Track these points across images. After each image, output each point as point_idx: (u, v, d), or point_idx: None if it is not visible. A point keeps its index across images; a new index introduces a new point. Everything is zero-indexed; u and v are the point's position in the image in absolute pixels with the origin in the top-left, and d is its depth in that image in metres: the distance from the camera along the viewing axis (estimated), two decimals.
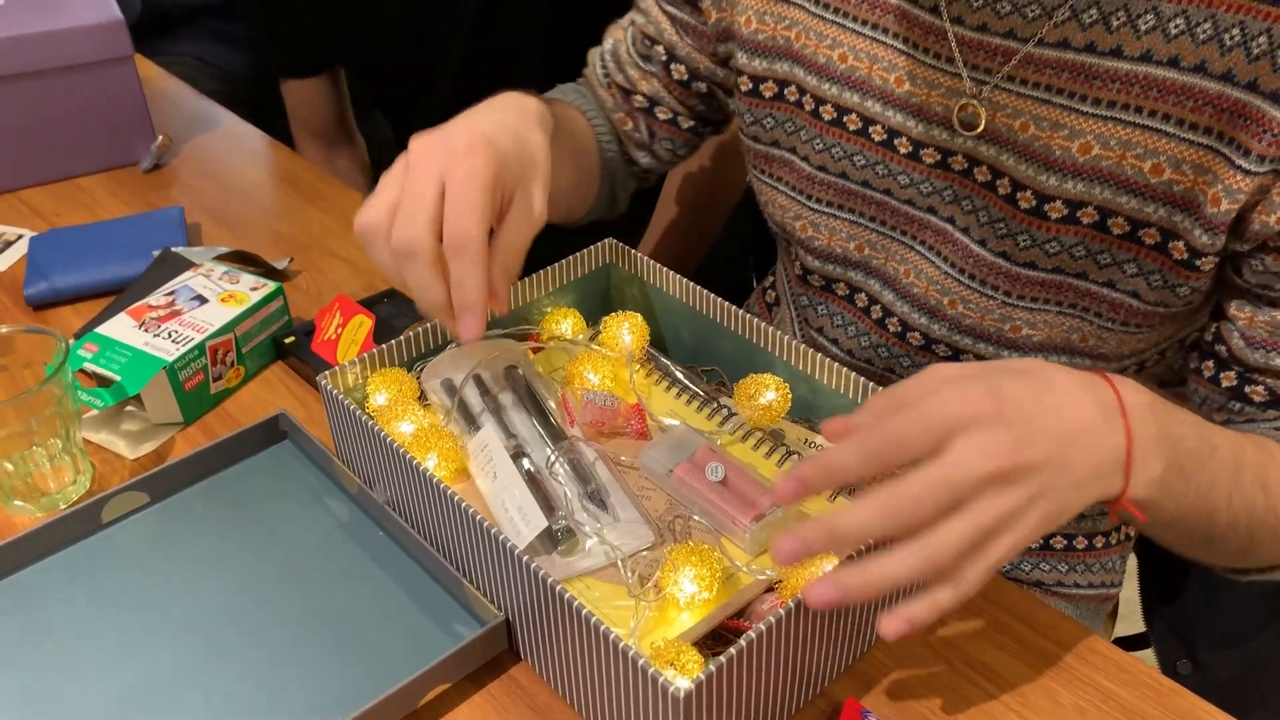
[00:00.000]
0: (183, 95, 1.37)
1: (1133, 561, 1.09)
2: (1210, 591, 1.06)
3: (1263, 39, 0.60)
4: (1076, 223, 0.69)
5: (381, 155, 1.77)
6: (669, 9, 0.86)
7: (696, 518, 0.65)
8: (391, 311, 0.91)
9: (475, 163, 0.62)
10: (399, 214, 0.62)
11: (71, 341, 0.79)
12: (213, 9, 1.76)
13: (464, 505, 0.59)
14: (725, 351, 0.76)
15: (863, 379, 0.67)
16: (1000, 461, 0.49)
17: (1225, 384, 0.71)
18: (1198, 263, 0.67)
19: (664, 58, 0.88)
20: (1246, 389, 0.70)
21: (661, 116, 0.91)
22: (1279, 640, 1.04)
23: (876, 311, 0.84)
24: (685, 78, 0.88)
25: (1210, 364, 0.72)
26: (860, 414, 0.53)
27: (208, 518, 0.73)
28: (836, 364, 0.68)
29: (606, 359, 0.73)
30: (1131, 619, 1.17)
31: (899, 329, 0.82)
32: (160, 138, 1.18)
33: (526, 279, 0.78)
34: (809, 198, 0.82)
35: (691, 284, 0.76)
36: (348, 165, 1.47)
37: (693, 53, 0.86)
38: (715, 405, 0.73)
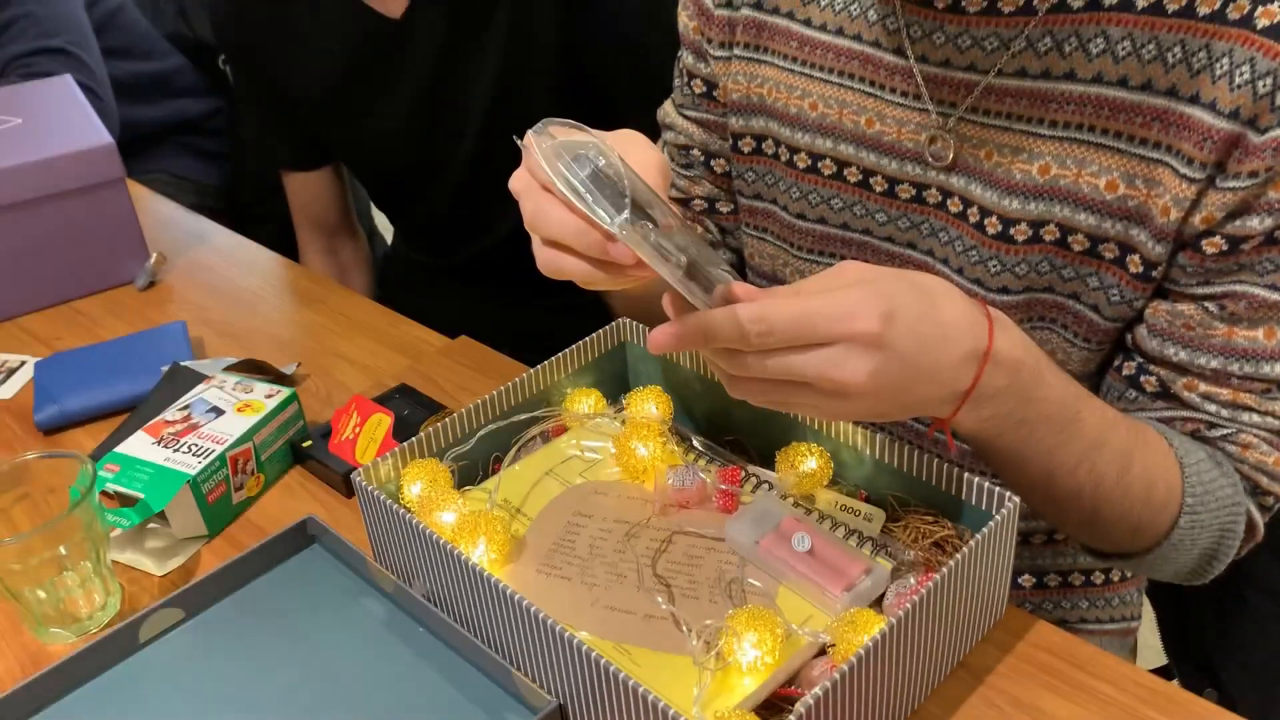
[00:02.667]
0: (170, 212, 1.39)
1: (1146, 601, 1.10)
2: (1225, 619, 1.07)
3: (1202, 54, 0.64)
4: (1040, 241, 0.72)
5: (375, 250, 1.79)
6: (690, 114, 0.91)
7: (751, 581, 0.65)
8: (404, 407, 0.91)
9: None
10: None
11: (92, 464, 0.79)
12: (184, 126, 1.80)
13: (510, 592, 0.60)
14: (742, 421, 0.78)
15: (887, 438, 0.69)
16: (851, 378, 0.55)
17: (1125, 372, 0.75)
18: (1153, 274, 0.70)
19: (702, 158, 0.91)
20: (1141, 378, 0.74)
21: (724, 210, 0.94)
22: None
23: None
24: (728, 169, 0.91)
25: (1116, 353, 0.76)
26: (766, 294, 0.57)
27: (245, 629, 0.72)
28: (859, 426, 0.70)
29: (651, 428, 0.74)
30: (1147, 653, 1.18)
31: None
32: (155, 255, 1.20)
33: (545, 364, 0.79)
34: (793, 245, 0.85)
35: None
36: (350, 257, 1.48)
37: (724, 145, 0.89)
38: (745, 473, 0.74)
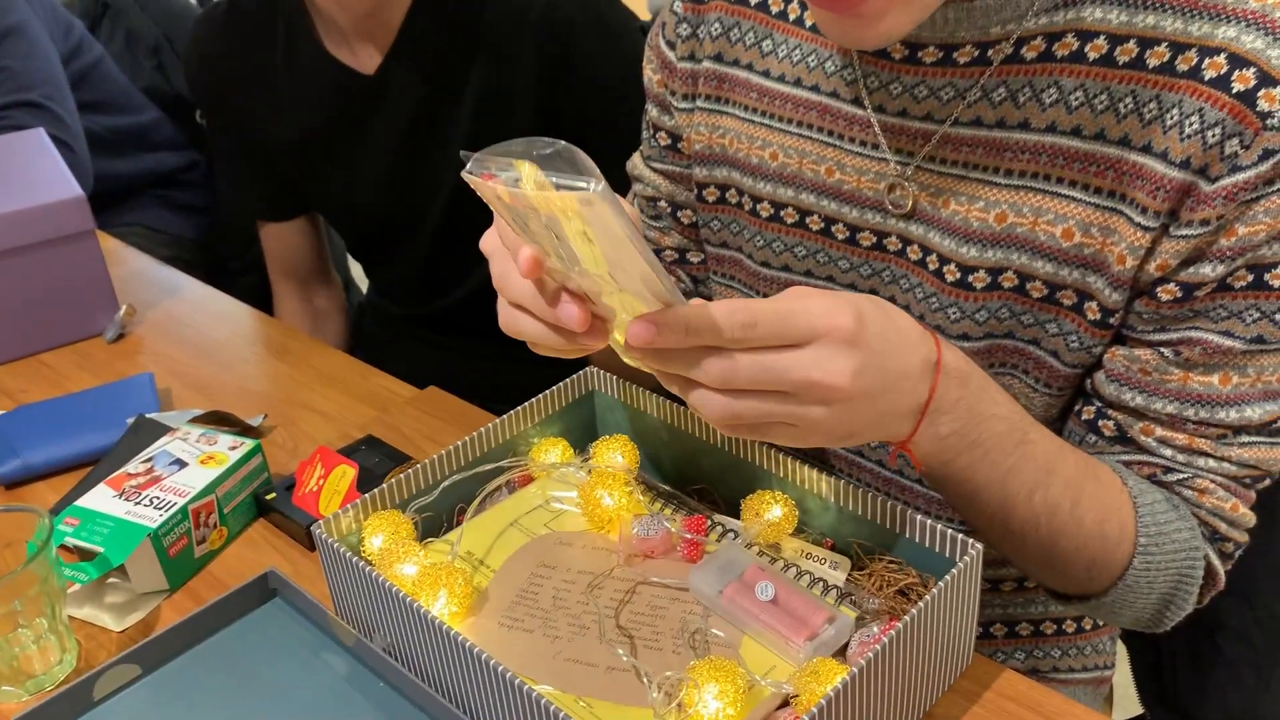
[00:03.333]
0: (141, 264, 1.38)
1: (1122, 650, 1.10)
2: (1202, 666, 1.07)
3: (1153, 105, 0.65)
4: (999, 288, 0.73)
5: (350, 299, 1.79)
6: (658, 166, 0.91)
7: (715, 630, 0.65)
8: (371, 459, 0.91)
9: None
10: None
11: (51, 517, 0.78)
12: (161, 179, 1.80)
13: (471, 646, 0.59)
14: (709, 470, 0.78)
15: (851, 485, 0.69)
16: (836, 380, 0.55)
17: (1084, 416, 0.76)
18: (1110, 321, 0.71)
19: (670, 209, 0.92)
20: (1099, 423, 0.75)
21: (694, 260, 0.94)
22: (1271, 704, 1.05)
23: None
24: (695, 219, 0.91)
25: (1077, 399, 0.76)
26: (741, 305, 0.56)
27: (203, 685, 0.71)
28: (823, 474, 0.70)
29: (617, 478, 0.74)
30: (1125, 702, 1.17)
31: None
32: (124, 307, 1.19)
33: (511, 413, 0.79)
34: (759, 293, 0.86)
35: (675, 405, 0.78)
36: (326, 304, 1.47)
37: (691, 196, 0.90)
38: (710, 522, 0.74)
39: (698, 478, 0.79)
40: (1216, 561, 0.74)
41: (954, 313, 0.74)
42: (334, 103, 1.21)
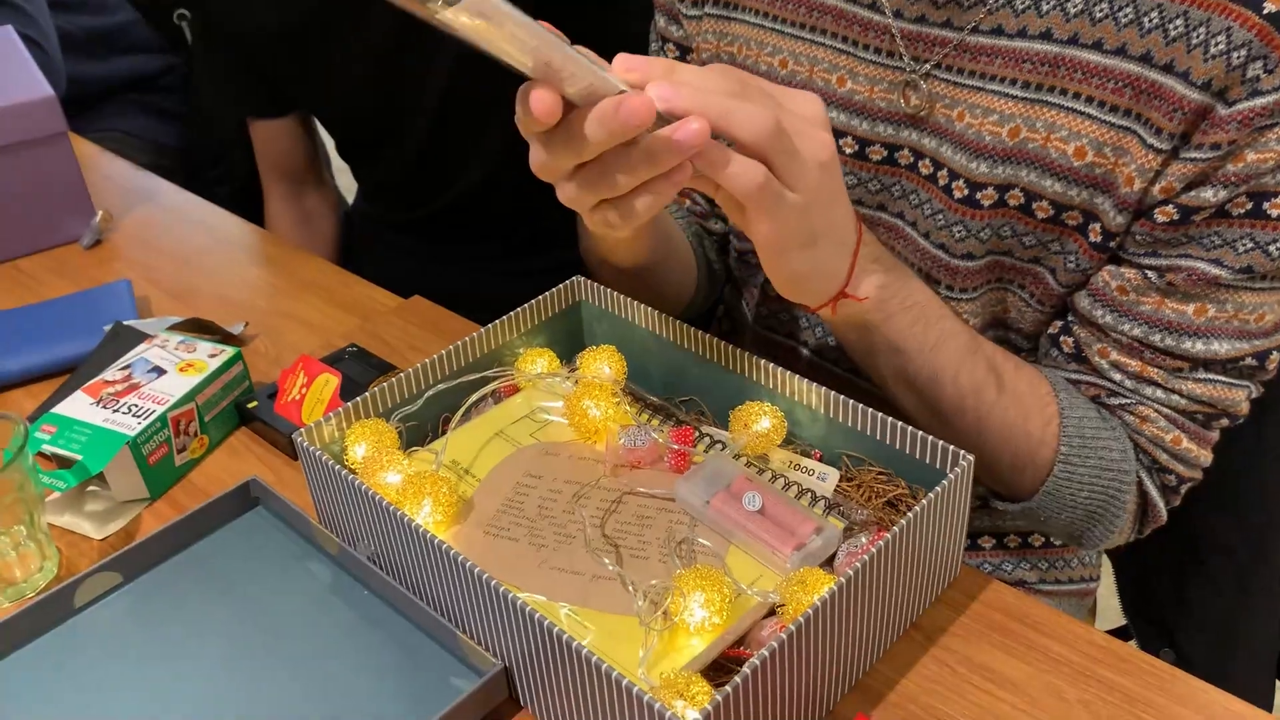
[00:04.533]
0: (117, 169, 1.35)
1: (1107, 563, 1.11)
2: (1183, 578, 1.08)
3: (1179, 21, 0.63)
4: (1005, 205, 0.71)
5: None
6: None
7: (702, 540, 0.64)
8: (354, 368, 0.89)
9: None
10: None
11: (28, 425, 0.77)
12: (138, 83, 1.75)
13: (455, 555, 0.58)
14: (698, 381, 0.76)
15: (841, 397, 0.68)
16: (821, 154, 0.56)
17: (1050, 330, 0.76)
18: (1110, 244, 0.70)
19: None
20: (1061, 338, 0.75)
21: None
22: (1248, 618, 1.07)
23: None
24: None
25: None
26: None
27: (184, 593, 0.71)
28: (814, 385, 0.69)
29: (604, 388, 0.73)
30: (1109, 613, 1.19)
31: None
32: (100, 213, 1.16)
33: (497, 322, 0.77)
34: None
35: (663, 315, 0.76)
36: (317, 206, 1.43)
37: None
38: (698, 433, 0.73)
39: (685, 389, 0.78)
40: (1155, 493, 0.74)
41: (959, 230, 0.73)
42: None
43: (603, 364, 0.76)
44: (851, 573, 0.55)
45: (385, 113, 1.24)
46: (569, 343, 0.82)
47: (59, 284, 1.10)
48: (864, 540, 0.62)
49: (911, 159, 0.74)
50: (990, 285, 0.76)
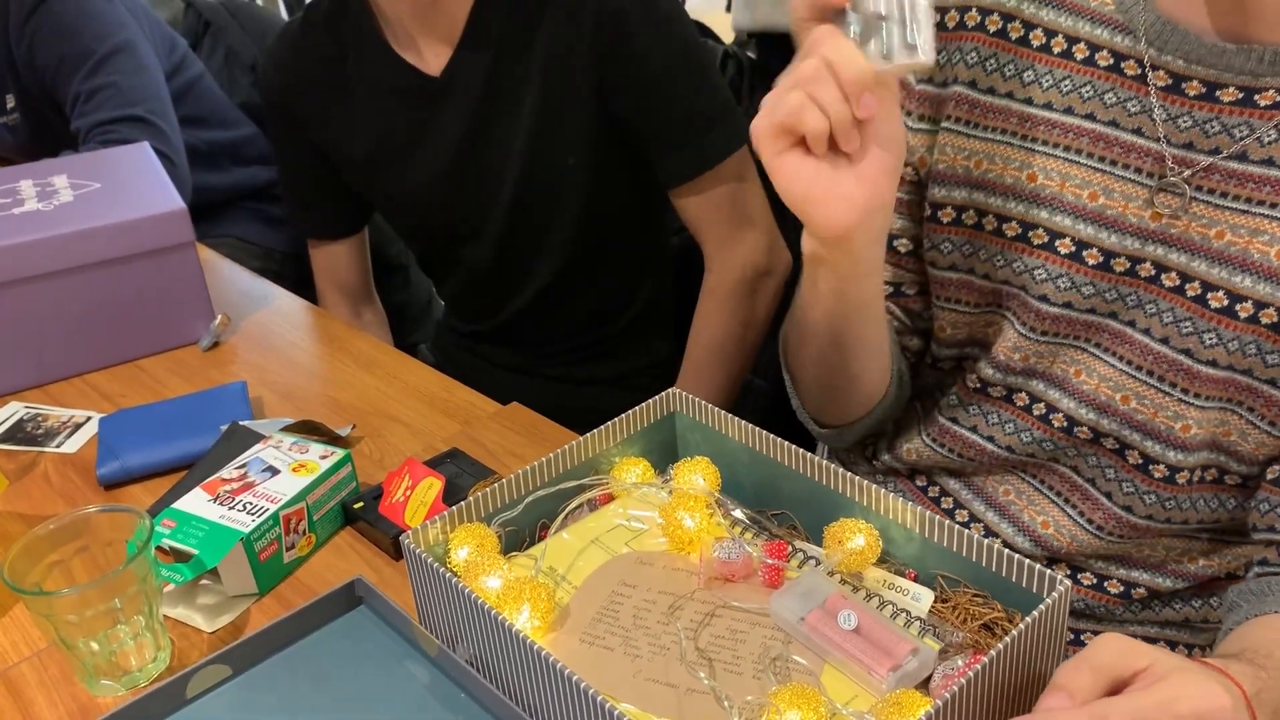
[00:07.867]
0: (233, 274, 1.43)
1: None
2: None
3: None
4: (1256, 322, 0.72)
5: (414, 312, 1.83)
6: None
7: (796, 657, 0.65)
8: (455, 471, 0.92)
9: None
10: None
11: (150, 519, 0.81)
12: (253, 192, 1.86)
13: (555, 662, 0.60)
14: (791, 495, 0.78)
15: (936, 517, 0.68)
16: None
17: (1269, 477, 0.74)
18: None
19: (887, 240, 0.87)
20: None
21: (909, 292, 0.92)
22: None
23: (1039, 409, 0.85)
24: (911, 248, 0.90)
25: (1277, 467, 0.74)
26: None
27: (290, 688, 0.73)
28: (909, 503, 0.70)
29: (698, 500, 0.74)
30: None
31: (1064, 424, 0.84)
32: (220, 316, 1.23)
33: (594, 431, 0.80)
34: (985, 319, 0.85)
35: (756, 429, 0.78)
36: (372, 319, 1.52)
37: (908, 222, 0.89)
38: (792, 548, 0.74)
39: (778, 503, 0.79)
40: None
41: (1209, 338, 0.74)
42: (401, 103, 1.23)
43: (697, 475, 0.77)
44: (949, 695, 0.55)
45: (459, 216, 1.30)
46: (662, 453, 0.84)
47: (177, 383, 1.16)
48: (960, 663, 0.62)
49: (1154, 271, 0.76)
50: (1222, 404, 0.76)
